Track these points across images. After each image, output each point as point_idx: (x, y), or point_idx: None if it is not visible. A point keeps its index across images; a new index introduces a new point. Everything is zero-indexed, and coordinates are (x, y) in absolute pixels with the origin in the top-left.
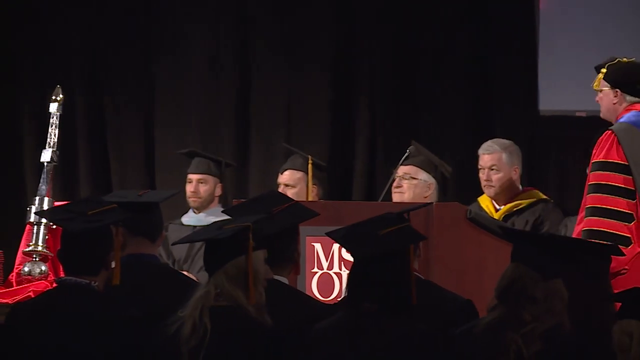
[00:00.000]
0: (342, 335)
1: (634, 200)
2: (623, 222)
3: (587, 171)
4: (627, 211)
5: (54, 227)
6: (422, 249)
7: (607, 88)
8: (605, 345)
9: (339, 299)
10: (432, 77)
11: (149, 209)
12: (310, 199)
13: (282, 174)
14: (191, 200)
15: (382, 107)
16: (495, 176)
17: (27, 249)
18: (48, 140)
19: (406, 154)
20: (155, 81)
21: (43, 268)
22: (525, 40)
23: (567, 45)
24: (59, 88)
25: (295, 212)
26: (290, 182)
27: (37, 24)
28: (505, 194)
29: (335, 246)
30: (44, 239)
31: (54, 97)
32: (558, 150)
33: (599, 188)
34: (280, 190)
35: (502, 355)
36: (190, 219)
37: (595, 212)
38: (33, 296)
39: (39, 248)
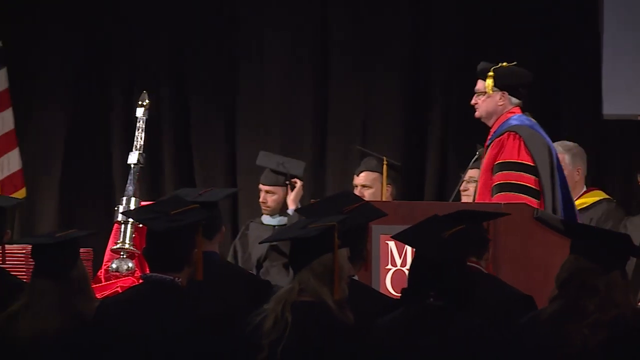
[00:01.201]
0: (406, 329)
1: (538, 200)
2: None
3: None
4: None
5: (140, 225)
6: (490, 247)
7: (490, 89)
8: None
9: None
10: None
11: (207, 207)
12: (384, 198)
13: (357, 175)
14: (262, 208)
15: (453, 111)
16: None
17: (115, 247)
18: (135, 143)
19: (475, 157)
20: (238, 87)
21: (130, 265)
22: (589, 45)
23: (631, 48)
24: (145, 93)
25: (365, 211)
26: (366, 183)
27: (125, 32)
28: None
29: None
30: (131, 237)
31: (140, 102)
32: (622, 153)
33: (511, 187)
34: (357, 191)
35: (566, 345)
36: (270, 218)
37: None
38: (120, 292)
39: (126, 246)
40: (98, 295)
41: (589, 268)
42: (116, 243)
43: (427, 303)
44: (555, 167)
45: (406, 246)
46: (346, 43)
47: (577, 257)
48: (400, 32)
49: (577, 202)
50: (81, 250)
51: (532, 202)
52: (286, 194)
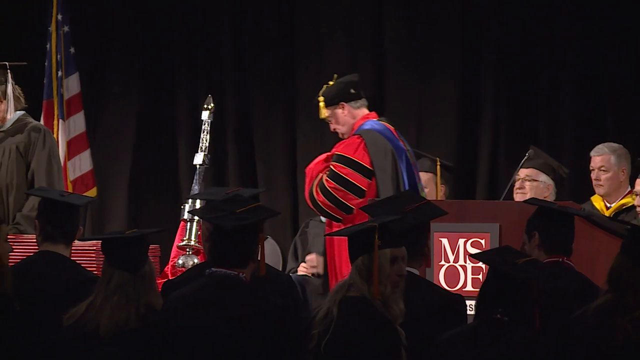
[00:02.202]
0: (473, 341)
1: (361, 198)
2: (347, 214)
3: None
4: (352, 207)
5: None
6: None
7: (332, 110)
8: None
9: (463, 289)
10: (550, 86)
11: None
12: (438, 197)
13: None
14: None
15: (504, 113)
16: (604, 176)
17: (181, 244)
18: (200, 144)
19: (525, 157)
20: (297, 90)
21: (195, 260)
22: (635, 45)
23: None
24: (210, 97)
25: (426, 210)
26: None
27: (191, 39)
28: (614, 193)
29: (461, 241)
30: (196, 234)
31: (205, 106)
32: None
33: (339, 180)
34: None
35: (610, 338)
36: None
37: (327, 194)
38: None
39: (192, 242)
40: None
41: (635, 266)
42: (182, 240)
43: (495, 318)
44: (402, 171)
45: (459, 243)
46: (401, 51)
47: (626, 256)
48: (453, 42)
49: (621, 202)
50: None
51: (352, 199)
52: None
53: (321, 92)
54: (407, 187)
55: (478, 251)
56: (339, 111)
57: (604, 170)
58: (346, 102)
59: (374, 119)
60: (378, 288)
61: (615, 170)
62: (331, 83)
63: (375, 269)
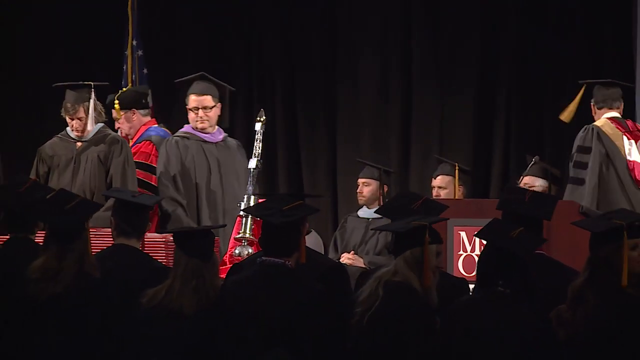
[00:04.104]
0: (477, 310)
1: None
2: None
3: None
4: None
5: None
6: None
7: (125, 112)
8: None
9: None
10: (553, 100)
11: None
12: (457, 197)
13: (435, 178)
14: (359, 198)
15: (513, 125)
16: None
17: (237, 236)
18: (254, 151)
19: (529, 165)
20: (337, 105)
21: (250, 250)
22: None
23: None
24: (262, 111)
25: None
26: (442, 184)
27: (248, 62)
28: None
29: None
30: (250, 227)
31: (258, 118)
32: None
33: (140, 182)
34: (434, 191)
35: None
36: (364, 212)
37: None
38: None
39: (247, 235)
40: (223, 277)
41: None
42: (238, 233)
43: (497, 291)
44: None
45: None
46: (426, 68)
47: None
48: (470, 64)
49: None
50: None
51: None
52: (379, 187)
53: (117, 95)
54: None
55: None
56: (131, 115)
57: None
58: (137, 109)
59: (156, 125)
60: (430, 277)
61: None
62: (125, 90)
63: (426, 261)
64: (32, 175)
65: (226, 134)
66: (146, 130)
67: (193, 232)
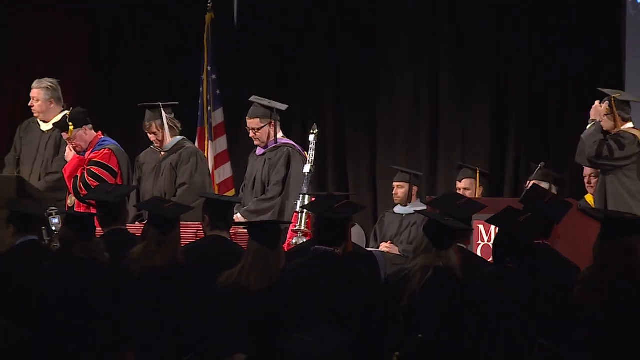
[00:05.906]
0: (493, 283)
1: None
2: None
3: None
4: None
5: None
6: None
7: (77, 130)
8: None
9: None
10: (558, 107)
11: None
12: (477, 196)
13: (460, 181)
14: (394, 199)
15: (525, 135)
16: (594, 180)
17: (294, 228)
18: (308, 158)
19: (535, 171)
20: (376, 118)
21: (304, 240)
22: None
23: None
24: (315, 125)
25: (469, 205)
26: (466, 186)
27: (303, 85)
28: None
29: (492, 227)
30: (305, 221)
31: (311, 131)
32: None
33: (95, 177)
34: (459, 192)
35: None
36: (399, 209)
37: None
38: None
39: (302, 228)
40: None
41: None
42: (296, 226)
43: (507, 266)
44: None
45: (491, 228)
46: (450, 85)
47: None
48: (486, 79)
49: None
50: None
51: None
52: (410, 188)
53: (69, 117)
54: (131, 182)
55: None
56: (82, 132)
57: (594, 176)
58: (86, 125)
59: (104, 137)
60: (459, 259)
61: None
62: (72, 110)
63: (457, 253)
64: (134, 182)
65: (276, 143)
66: (99, 141)
67: (269, 224)
